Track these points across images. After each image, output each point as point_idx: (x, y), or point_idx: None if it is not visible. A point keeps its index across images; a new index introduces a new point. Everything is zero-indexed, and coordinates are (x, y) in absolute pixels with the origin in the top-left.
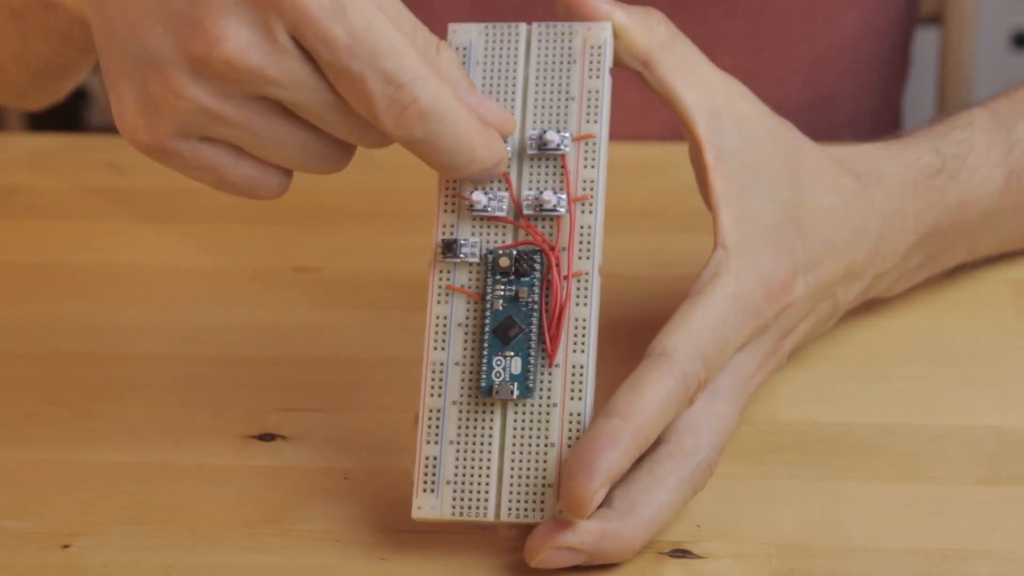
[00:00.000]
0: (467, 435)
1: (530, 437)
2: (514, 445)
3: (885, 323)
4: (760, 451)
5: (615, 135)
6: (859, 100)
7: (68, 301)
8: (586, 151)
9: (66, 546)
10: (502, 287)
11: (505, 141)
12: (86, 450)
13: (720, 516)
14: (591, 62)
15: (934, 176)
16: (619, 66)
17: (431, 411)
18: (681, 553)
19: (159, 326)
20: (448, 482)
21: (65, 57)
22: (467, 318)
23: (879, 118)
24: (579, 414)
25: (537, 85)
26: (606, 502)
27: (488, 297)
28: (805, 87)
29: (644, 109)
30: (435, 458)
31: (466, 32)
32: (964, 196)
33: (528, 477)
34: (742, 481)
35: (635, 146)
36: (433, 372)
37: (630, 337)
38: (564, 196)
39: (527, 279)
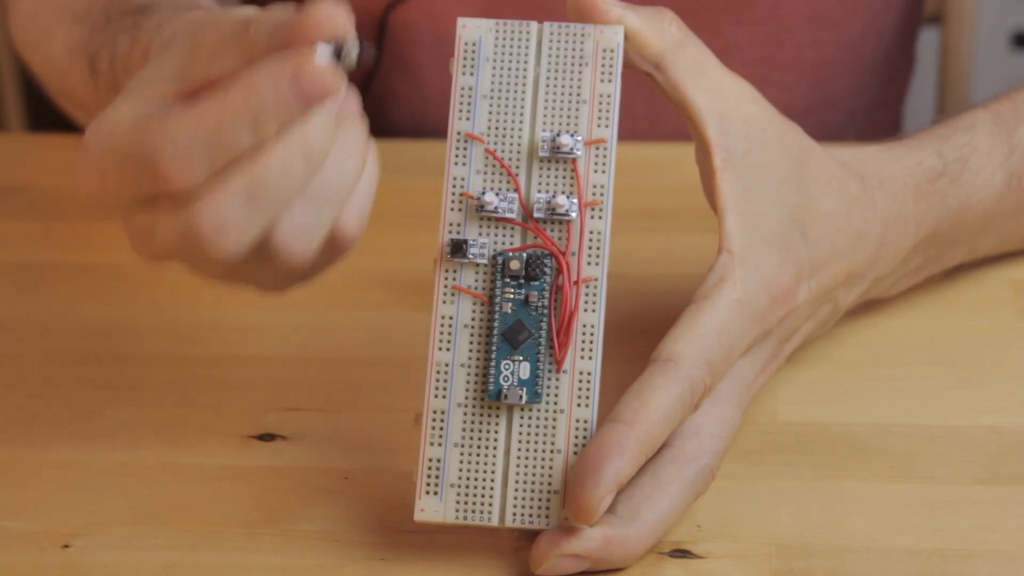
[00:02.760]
0: (472, 438)
1: (536, 443)
2: (520, 450)
3: (885, 323)
4: (760, 451)
5: (622, 142)
6: (857, 99)
7: (68, 301)
8: (597, 156)
9: (66, 546)
10: (511, 290)
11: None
12: (86, 450)
13: (720, 516)
14: (603, 65)
15: (936, 179)
16: (629, 67)
17: (435, 412)
18: (681, 553)
19: (159, 326)
20: (452, 485)
21: None
22: (473, 319)
23: (876, 115)
24: (586, 421)
25: (548, 86)
26: (609, 508)
27: (497, 299)
28: (811, 90)
29: (652, 118)
30: (439, 460)
31: (476, 28)
32: (965, 199)
33: (534, 483)
34: (742, 481)
35: (636, 146)
36: (438, 373)
37: (630, 337)
38: (575, 200)
39: (537, 283)
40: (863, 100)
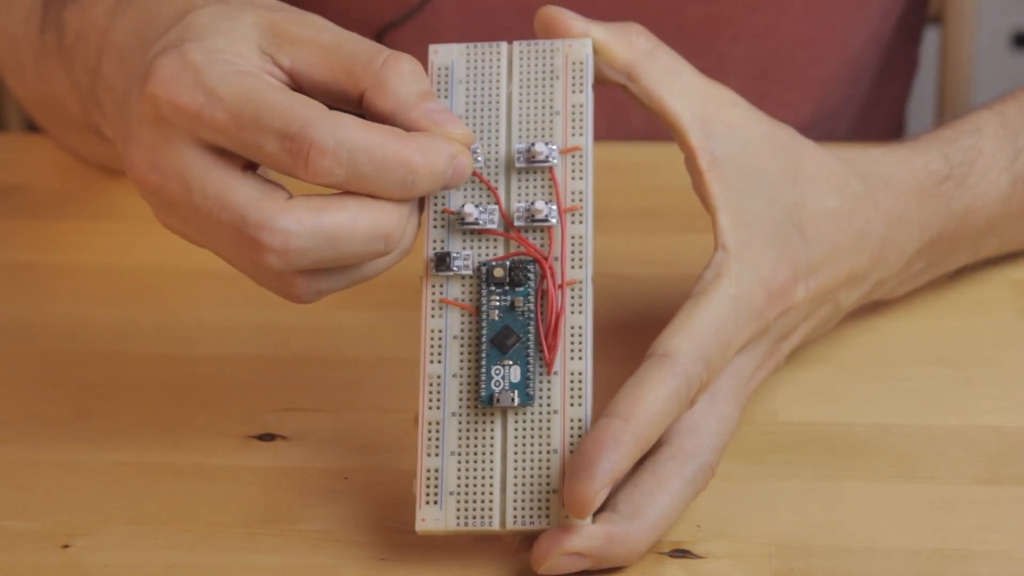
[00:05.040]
0: (468, 445)
1: (532, 444)
2: (516, 453)
3: (886, 324)
4: (760, 451)
5: (621, 143)
6: (859, 107)
7: (68, 301)
8: (573, 163)
9: (66, 546)
10: (497, 297)
11: (474, 153)
12: (86, 450)
13: (720, 516)
14: (574, 77)
15: (941, 183)
16: (602, 83)
17: (430, 424)
18: (681, 553)
19: (159, 326)
20: (451, 493)
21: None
22: (462, 330)
23: (872, 114)
24: (580, 420)
25: (521, 101)
26: (610, 506)
27: (484, 308)
28: (814, 106)
29: (649, 131)
30: (436, 470)
31: (447, 52)
32: (970, 203)
33: (532, 484)
34: (742, 481)
35: (634, 146)
36: (431, 385)
37: (629, 337)
38: (555, 207)
39: (522, 288)
40: (865, 107)
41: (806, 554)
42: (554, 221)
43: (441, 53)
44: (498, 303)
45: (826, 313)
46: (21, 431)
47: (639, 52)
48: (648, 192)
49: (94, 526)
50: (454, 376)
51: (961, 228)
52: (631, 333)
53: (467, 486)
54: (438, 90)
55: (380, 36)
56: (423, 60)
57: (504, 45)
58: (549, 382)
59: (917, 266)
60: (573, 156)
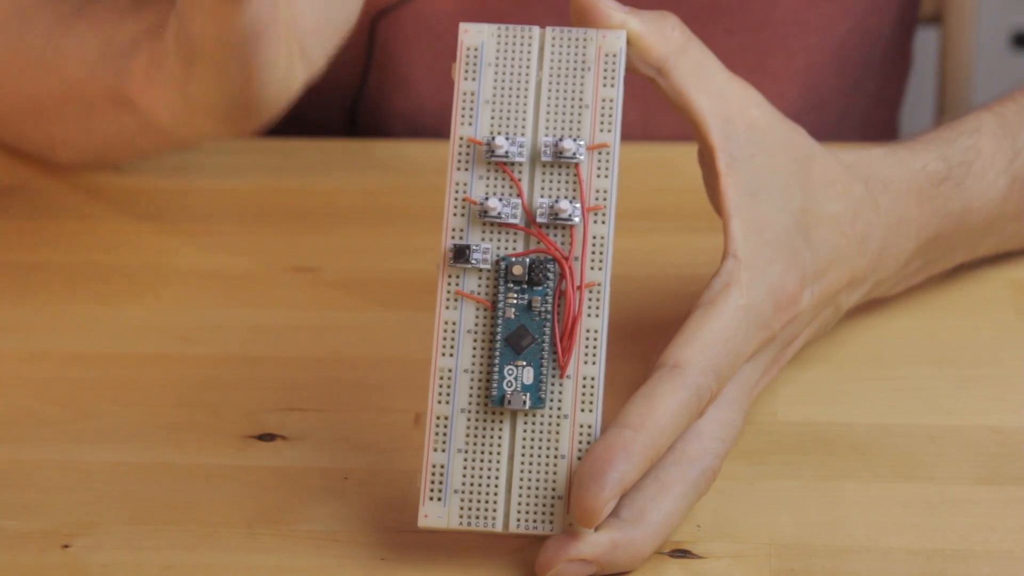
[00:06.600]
0: (476, 444)
1: (540, 448)
2: (524, 456)
3: (885, 323)
4: (760, 451)
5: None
6: (848, 100)
7: (68, 301)
8: (599, 160)
9: (66, 546)
10: (515, 295)
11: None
12: (86, 450)
13: (720, 516)
14: (605, 70)
15: (940, 184)
16: (632, 72)
17: (439, 418)
18: (681, 553)
19: (159, 326)
20: (456, 491)
21: (120, 154)
22: (476, 325)
23: (874, 116)
24: (590, 426)
25: (550, 91)
26: (614, 511)
27: (500, 305)
28: (801, 95)
29: (645, 126)
30: (442, 466)
31: (478, 33)
32: (968, 203)
33: (538, 488)
34: (742, 481)
35: (634, 146)
36: (441, 379)
37: (629, 337)
38: (578, 205)
39: (540, 288)
40: (856, 101)
41: (806, 554)
42: (577, 220)
43: (471, 33)
44: (515, 301)
45: (827, 316)
46: (21, 431)
47: (673, 46)
48: (648, 192)
49: (94, 526)
50: (465, 371)
51: (959, 228)
52: (630, 333)
53: (472, 485)
54: (466, 72)
55: (375, 22)
56: (420, 47)
57: (537, 29)
58: (561, 386)
59: (914, 265)
60: (599, 153)
